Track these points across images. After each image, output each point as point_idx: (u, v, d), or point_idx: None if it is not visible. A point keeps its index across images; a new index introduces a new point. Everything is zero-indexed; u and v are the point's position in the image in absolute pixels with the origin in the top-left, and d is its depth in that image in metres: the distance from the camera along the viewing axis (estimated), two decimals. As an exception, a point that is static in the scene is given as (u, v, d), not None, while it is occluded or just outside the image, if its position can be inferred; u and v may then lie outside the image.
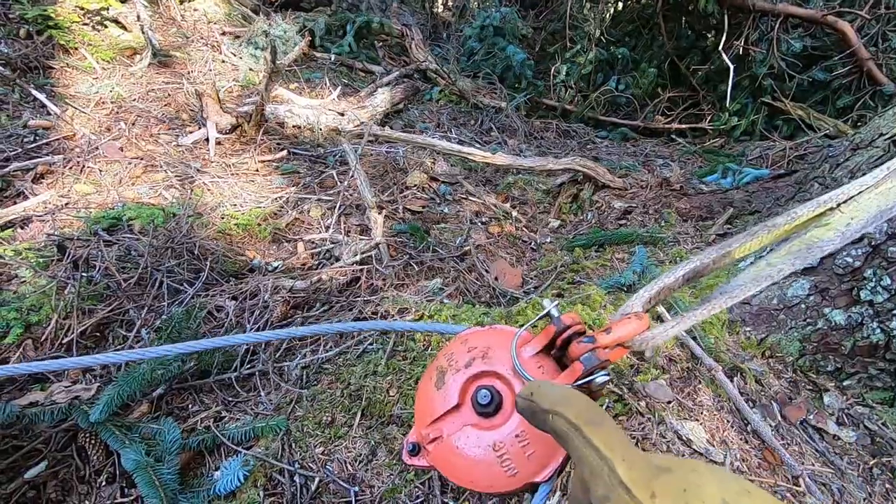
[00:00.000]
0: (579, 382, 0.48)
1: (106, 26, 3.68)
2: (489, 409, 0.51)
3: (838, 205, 0.56)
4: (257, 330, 1.67)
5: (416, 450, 0.54)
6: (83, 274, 1.69)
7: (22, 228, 2.14)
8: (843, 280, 1.52)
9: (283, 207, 2.57)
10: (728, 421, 1.39)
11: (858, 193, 0.58)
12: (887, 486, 1.33)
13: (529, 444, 0.49)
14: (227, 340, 0.70)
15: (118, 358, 0.66)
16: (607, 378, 0.48)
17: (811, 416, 1.46)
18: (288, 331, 0.71)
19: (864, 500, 1.28)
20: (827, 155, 2.18)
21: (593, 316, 1.57)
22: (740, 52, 4.18)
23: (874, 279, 1.44)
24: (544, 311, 0.54)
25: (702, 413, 1.39)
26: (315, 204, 2.62)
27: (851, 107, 3.76)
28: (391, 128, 3.54)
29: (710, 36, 4.73)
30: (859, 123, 3.55)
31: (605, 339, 0.51)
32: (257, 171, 2.92)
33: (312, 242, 2.34)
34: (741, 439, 1.35)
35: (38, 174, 2.49)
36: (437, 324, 0.68)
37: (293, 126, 3.44)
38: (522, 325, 0.58)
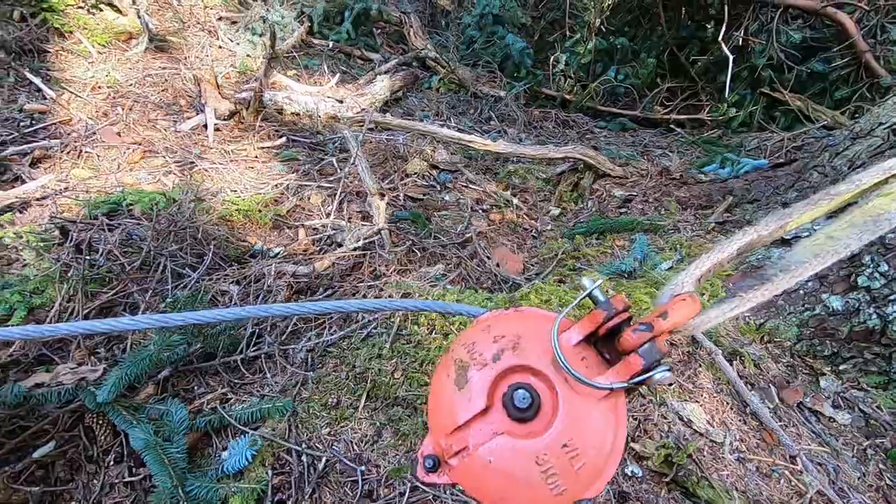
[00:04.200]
0: (637, 380, 0.40)
1: (101, 10, 3.62)
2: (528, 413, 0.42)
3: None
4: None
5: (435, 465, 0.45)
6: (86, 257, 1.69)
7: (21, 212, 2.13)
8: (842, 266, 1.55)
9: (283, 194, 2.56)
10: (727, 403, 1.41)
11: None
12: (881, 466, 1.36)
13: (579, 455, 0.41)
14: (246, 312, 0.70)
15: (128, 325, 0.66)
16: (669, 374, 0.40)
17: (808, 399, 1.49)
18: (316, 305, 0.68)
19: (859, 478, 1.31)
20: (827, 144, 2.20)
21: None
22: (740, 43, 4.18)
23: (872, 265, 1.47)
24: (585, 292, 0.44)
25: (702, 395, 1.41)
26: (315, 191, 2.61)
27: (849, 98, 3.78)
28: (390, 115, 3.53)
29: (709, 26, 4.72)
30: (857, 115, 3.57)
31: (664, 325, 0.42)
32: (256, 157, 2.91)
33: (314, 229, 2.34)
34: (740, 420, 1.38)
35: (36, 158, 2.47)
36: (453, 304, 0.59)
37: (292, 113, 3.42)
38: (560, 309, 0.48)
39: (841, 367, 1.56)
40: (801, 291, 1.61)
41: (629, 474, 1.26)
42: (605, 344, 0.44)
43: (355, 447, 1.33)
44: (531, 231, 2.50)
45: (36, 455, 1.25)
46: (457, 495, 1.21)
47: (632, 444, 1.30)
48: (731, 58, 3.99)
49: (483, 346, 0.46)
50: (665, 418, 1.34)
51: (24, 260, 1.70)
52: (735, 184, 2.55)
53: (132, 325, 0.66)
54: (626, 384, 0.40)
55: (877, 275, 1.45)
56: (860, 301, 1.48)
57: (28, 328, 0.62)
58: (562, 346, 0.43)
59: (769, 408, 1.43)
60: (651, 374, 0.39)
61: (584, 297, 0.45)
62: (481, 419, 0.43)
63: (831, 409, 1.48)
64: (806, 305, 1.60)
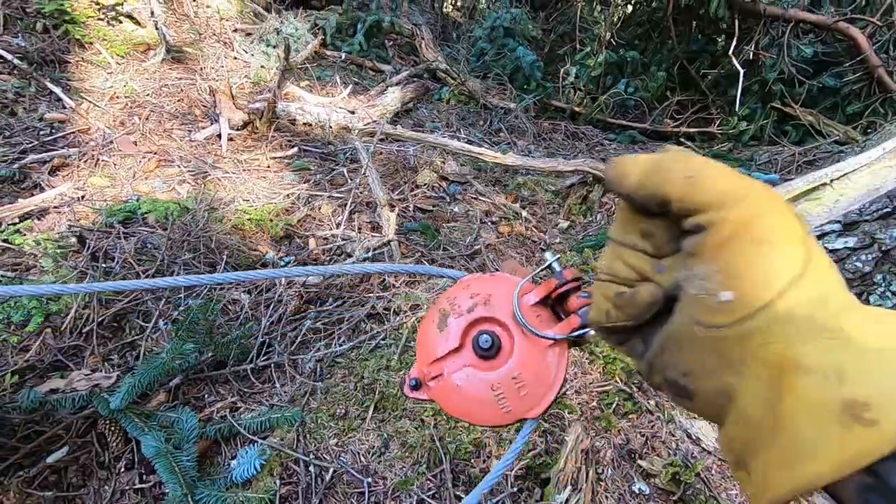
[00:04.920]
0: (575, 334, 0.51)
1: (120, 21, 3.71)
2: (490, 352, 0.54)
3: (832, 180, 0.56)
4: (272, 324, 1.70)
5: (417, 385, 0.57)
6: (101, 265, 1.72)
7: (39, 219, 2.18)
8: (853, 284, 1.54)
9: (294, 203, 2.60)
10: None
11: (853, 171, 0.58)
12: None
13: (524, 386, 0.53)
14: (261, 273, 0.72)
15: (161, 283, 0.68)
16: (594, 333, 0.51)
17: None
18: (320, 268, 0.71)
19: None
20: (838, 160, 2.19)
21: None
22: (750, 57, 4.19)
23: (884, 284, 1.46)
24: (546, 264, 0.56)
25: (711, 413, 1.40)
26: (326, 201, 2.64)
27: (861, 113, 3.76)
28: (401, 127, 3.56)
29: (720, 40, 4.74)
30: (869, 130, 3.55)
31: None
32: (269, 167, 2.95)
33: (324, 239, 2.36)
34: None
35: (54, 166, 2.53)
36: (438, 269, 0.70)
37: (304, 123, 3.47)
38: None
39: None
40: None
41: (636, 492, 1.25)
42: (560, 306, 0.55)
43: (362, 458, 1.34)
44: (540, 244, 2.51)
45: (50, 460, 1.27)
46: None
47: (639, 462, 1.29)
48: (741, 72, 3.99)
49: (461, 300, 0.58)
50: (673, 436, 1.34)
51: (43, 267, 1.73)
52: (745, 198, 2.54)
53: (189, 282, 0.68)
54: (566, 336, 0.51)
55: (889, 293, 1.44)
56: (872, 320, 1.47)
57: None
58: (521, 304, 0.55)
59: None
60: (586, 330, 0.50)
61: (544, 268, 0.56)
62: (454, 355, 0.56)
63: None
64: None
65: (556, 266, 0.55)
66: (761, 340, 0.27)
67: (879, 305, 1.45)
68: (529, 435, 0.57)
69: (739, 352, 0.28)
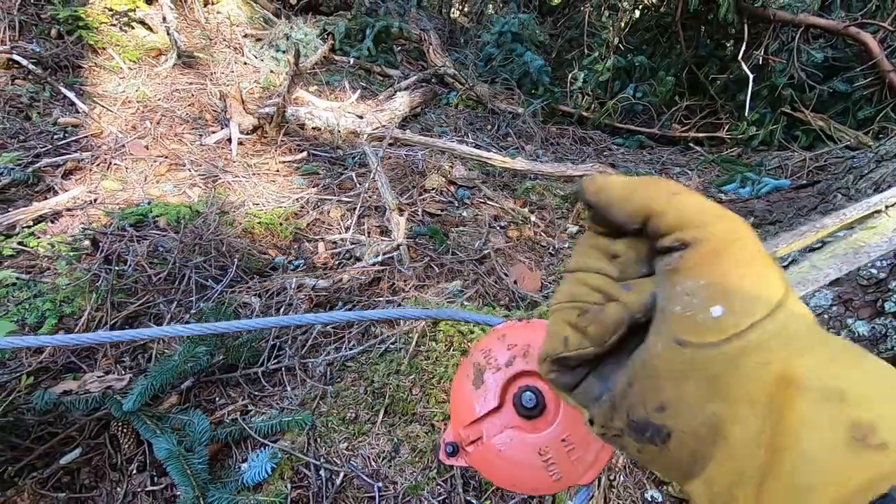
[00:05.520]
0: None
1: (133, 27, 3.76)
2: (534, 412, 0.50)
3: (887, 207, 0.55)
4: (282, 327, 1.70)
5: (455, 451, 0.53)
6: (114, 268, 1.74)
7: (53, 222, 2.20)
8: (868, 291, 1.52)
9: (303, 207, 2.61)
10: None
11: (910, 197, 0.56)
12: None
13: (575, 449, 0.48)
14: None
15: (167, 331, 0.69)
16: None
17: (833, 427, 1.46)
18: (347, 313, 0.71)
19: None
20: (851, 166, 2.17)
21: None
22: (760, 62, 4.17)
23: (900, 291, 1.44)
24: None
25: (724, 420, 1.39)
26: (335, 205, 2.66)
27: (872, 118, 3.73)
28: (410, 131, 3.58)
29: (729, 45, 4.72)
30: (881, 135, 3.52)
31: None
32: (278, 171, 2.97)
33: (333, 243, 2.37)
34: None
35: (67, 170, 2.56)
36: (473, 314, 0.66)
37: (313, 128, 3.49)
38: None
39: (867, 395, 1.52)
40: (826, 316, 1.58)
41: (649, 499, 1.24)
42: None
43: (373, 463, 1.34)
44: (549, 248, 2.50)
45: (63, 461, 1.28)
46: (474, 515, 1.21)
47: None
48: (751, 76, 3.97)
49: (497, 352, 0.53)
50: (686, 443, 1.32)
51: (57, 270, 1.75)
52: (756, 204, 2.53)
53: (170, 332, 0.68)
54: None
55: (904, 301, 1.43)
56: (887, 327, 1.45)
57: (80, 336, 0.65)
58: None
59: (793, 434, 1.40)
60: None
61: None
62: (494, 415, 0.51)
63: (858, 438, 1.44)
64: (830, 330, 1.57)
65: None
66: (757, 358, 0.25)
67: (894, 313, 1.44)
68: None
69: (729, 374, 0.25)
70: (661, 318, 0.28)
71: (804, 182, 2.67)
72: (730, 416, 0.25)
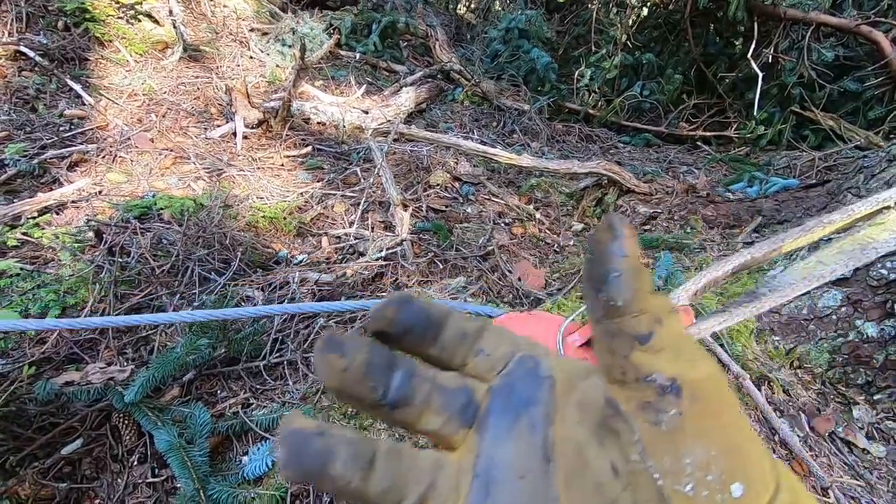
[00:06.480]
0: None
1: (139, 20, 3.76)
2: None
3: None
4: (285, 321, 1.70)
5: None
6: (118, 260, 1.74)
7: (57, 214, 2.20)
8: (877, 292, 1.50)
9: (308, 202, 2.60)
10: (755, 430, 1.37)
11: (919, 193, 0.56)
12: (919, 502, 1.31)
13: None
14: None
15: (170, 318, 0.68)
16: None
17: (840, 429, 1.44)
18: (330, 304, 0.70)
19: (895, 515, 1.26)
20: (861, 165, 2.14)
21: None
22: (769, 60, 4.12)
23: (910, 292, 1.42)
24: None
25: (729, 420, 1.37)
26: (339, 199, 2.65)
27: (883, 118, 3.68)
28: (415, 127, 3.56)
29: (738, 43, 4.67)
30: (891, 135, 3.48)
31: None
32: (283, 165, 2.97)
33: (337, 237, 2.36)
34: (769, 448, 1.34)
35: (73, 162, 2.56)
36: (474, 305, 0.64)
37: (318, 122, 3.48)
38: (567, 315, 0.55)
39: (875, 397, 1.50)
40: (834, 316, 1.56)
41: None
42: None
43: (374, 458, 1.33)
44: (553, 246, 2.48)
45: (64, 452, 1.28)
46: None
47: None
48: (760, 75, 3.93)
49: None
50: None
51: (61, 260, 1.75)
52: (764, 203, 2.50)
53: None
54: None
55: (915, 302, 1.40)
56: (897, 329, 1.43)
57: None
58: (566, 346, 0.50)
59: (799, 436, 1.38)
60: None
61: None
62: None
63: (865, 441, 1.42)
64: (839, 331, 1.55)
65: None
66: None
67: (905, 314, 1.42)
68: None
69: None
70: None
71: (813, 182, 2.64)
72: None
